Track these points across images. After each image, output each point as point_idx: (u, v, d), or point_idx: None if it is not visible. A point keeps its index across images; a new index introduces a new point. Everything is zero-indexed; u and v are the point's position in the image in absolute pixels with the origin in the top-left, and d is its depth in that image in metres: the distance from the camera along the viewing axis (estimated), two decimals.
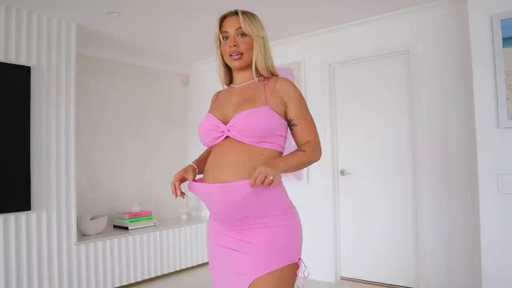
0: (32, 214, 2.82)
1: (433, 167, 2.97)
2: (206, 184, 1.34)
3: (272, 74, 1.46)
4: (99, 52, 3.88)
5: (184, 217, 4.24)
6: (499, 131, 2.24)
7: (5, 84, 2.70)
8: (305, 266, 1.35)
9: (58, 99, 3.02)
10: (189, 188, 1.40)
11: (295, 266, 1.32)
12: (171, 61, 4.48)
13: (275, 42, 3.67)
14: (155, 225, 3.83)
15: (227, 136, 1.35)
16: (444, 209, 2.92)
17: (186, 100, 4.79)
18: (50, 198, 2.93)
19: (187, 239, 3.94)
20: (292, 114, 1.38)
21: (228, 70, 1.52)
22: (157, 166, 4.35)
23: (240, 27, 1.40)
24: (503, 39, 2.22)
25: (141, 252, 3.52)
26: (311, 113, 1.45)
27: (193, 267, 4.03)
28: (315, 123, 1.44)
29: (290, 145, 1.42)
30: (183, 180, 1.43)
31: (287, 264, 1.29)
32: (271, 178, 1.16)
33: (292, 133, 1.42)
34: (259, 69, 1.43)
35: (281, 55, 3.69)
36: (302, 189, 3.62)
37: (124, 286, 3.40)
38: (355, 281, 3.41)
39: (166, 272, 3.72)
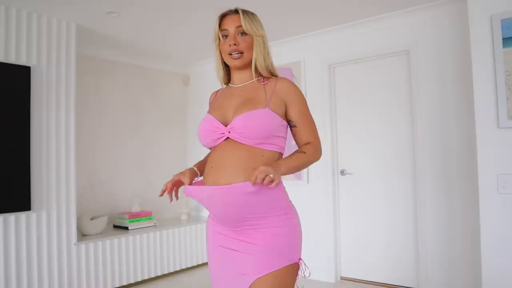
0: (32, 214, 2.82)
1: (433, 167, 2.97)
2: (201, 187, 1.33)
3: (272, 74, 1.45)
4: (99, 52, 3.88)
5: (184, 217, 4.24)
6: (499, 131, 2.23)
7: (5, 84, 2.70)
8: (305, 266, 1.35)
9: (58, 99, 3.02)
10: (184, 193, 1.38)
11: (296, 266, 1.32)
12: (171, 61, 4.48)
13: (275, 42, 3.67)
14: (155, 225, 3.83)
15: (227, 137, 1.35)
16: (444, 209, 2.92)
17: (186, 100, 4.79)
18: (50, 198, 2.93)
19: (187, 239, 3.94)
20: (292, 115, 1.38)
21: (227, 69, 1.51)
22: (157, 166, 4.35)
23: (240, 26, 1.39)
24: (503, 39, 2.21)
25: (141, 252, 3.52)
26: (312, 113, 1.44)
27: (193, 267, 4.03)
28: (315, 124, 1.43)
29: (290, 145, 1.42)
30: (178, 183, 1.43)
31: (288, 264, 1.29)
32: (271, 176, 1.16)
33: (292, 134, 1.42)
34: (259, 68, 1.42)
35: (281, 55, 3.69)
36: (302, 189, 3.62)
37: (124, 286, 3.40)
38: (355, 281, 3.41)
39: (166, 272, 3.72)
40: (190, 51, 4.11)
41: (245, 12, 1.42)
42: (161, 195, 1.44)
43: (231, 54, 1.41)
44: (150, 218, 3.82)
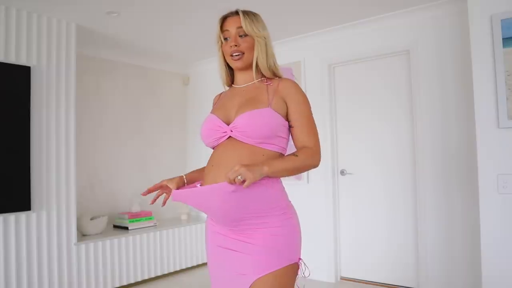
0: (32, 214, 2.82)
1: (433, 167, 2.97)
2: (186, 190, 1.35)
3: (275, 75, 1.45)
4: (99, 52, 3.88)
5: (184, 217, 4.24)
6: (499, 131, 2.24)
7: (5, 84, 2.70)
8: (305, 266, 1.35)
9: (58, 99, 3.02)
10: (172, 197, 1.38)
11: (295, 266, 1.32)
12: (171, 61, 4.48)
13: (275, 42, 3.64)
14: (155, 225, 3.83)
15: (230, 137, 1.35)
16: (444, 209, 2.92)
17: (186, 100, 4.79)
18: (50, 198, 2.93)
19: (187, 239, 3.94)
20: (291, 115, 1.37)
21: (230, 70, 1.51)
22: (157, 166, 4.35)
23: (241, 27, 1.39)
24: (503, 39, 2.21)
25: (141, 252, 3.52)
26: (312, 113, 1.43)
27: (193, 267, 4.03)
28: (317, 128, 1.39)
29: (290, 145, 1.42)
30: (163, 187, 1.45)
31: (287, 264, 1.29)
32: (239, 178, 1.16)
33: (291, 135, 1.41)
34: (261, 69, 1.42)
35: (281, 55, 3.66)
36: (302, 189, 3.62)
37: (124, 286, 3.40)
38: (355, 281, 3.41)
39: (166, 272, 3.72)
40: (190, 51, 4.11)
41: (245, 13, 1.41)
42: (145, 194, 1.45)
43: (232, 56, 1.41)
44: (150, 218, 3.82)
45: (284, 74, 1.49)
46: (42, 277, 2.86)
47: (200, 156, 4.50)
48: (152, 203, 1.46)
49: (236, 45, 1.40)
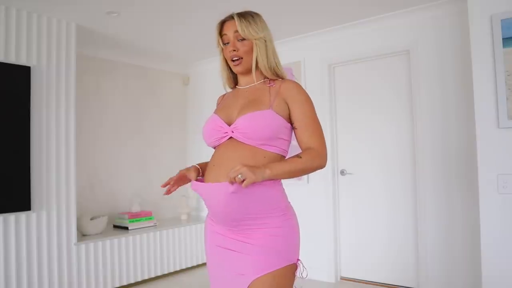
0: (32, 214, 2.82)
1: (433, 167, 2.97)
2: (201, 183, 1.36)
3: (278, 75, 1.44)
4: (99, 52, 3.88)
5: (184, 217, 4.24)
6: (499, 131, 2.23)
7: (5, 84, 2.70)
8: (303, 266, 1.35)
9: (58, 99, 3.03)
10: (192, 187, 1.39)
11: (294, 266, 1.32)
12: (171, 61, 4.48)
13: (275, 42, 3.64)
14: (155, 225, 3.83)
15: (231, 137, 1.35)
16: (444, 209, 2.92)
17: (186, 100, 4.79)
18: (50, 198, 2.93)
19: (187, 239, 3.94)
20: (294, 116, 1.36)
21: (234, 72, 1.51)
22: (157, 166, 4.35)
23: (238, 31, 1.38)
24: (503, 39, 2.21)
25: (141, 252, 3.52)
26: None
27: (193, 267, 4.03)
28: (322, 129, 1.37)
29: (291, 146, 1.42)
30: (183, 177, 1.43)
31: (286, 265, 1.29)
32: (239, 177, 1.15)
33: (295, 136, 1.40)
34: (262, 70, 1.42)
35: (281, 55, 3.62)
36: (302, 189, 3.62)
37: (124, 286, 3.40)
38: (355, 281, 3.41)
39: (166, 272, 3.72)
40: (190, 51, 4.11)
41: (242, 16, 1.39)
42: (164, 185, 1.42)
43: (232, 60, 1.41)
44: (150, 218, 3.82)
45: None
46: (42, 277, 2.86)
47: (200, 156, 4.50)
48: (169, 193, 1.42)
49: (234, 50, 1.39)
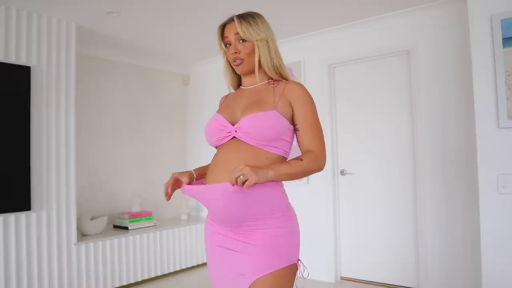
0: (32, 214, 2.82)
1: (433, 167, 2.97)
2: (195, 186, 1.35)
3: (281, 75, 1.44)
4: (99, 52, 3.88)
5: (184, 217, 4.24)
6: (499, 131, 2.23)
7: (5, 84, 2.70)
8: (304, 267, 1.35)
9: (58, 99, 3.02)
10: (182, 191, 1.38)
11: (294, 267, 1.32)
12: (171, 61, 4.48)
13: None
14: (155, 225, 3.83)
15: (234, 137, 1.35)
16: (444, 209, 2.92)
17: (186, 100, 4.79)
18: (50, 198, 2.93)
19: (187, 239, 3.94)
20: (296, 118, 1.37)
21: (237, 73, 1.51)
22: (157, 166, 4.35)
23: (238, 33, 1.38)
24: (503, 39, 2.21)
25: (141, 252, 3.52)
26: None
27: (193, 267, 4.03)
28: (322, 132, 1.39)
29: (292, 146, 1.42)
30: (177, 181, 1.42)
31: (286, 265, 1.29)
32: (241, 178, 1.15)
33: (296, 139, 1.40)
34: (266, 71, 1.42)
35: (281, 55, 3.68)
36: (302, 189, 3.62)
37: (124, 286, 3.40)
38: (355, 281, 3.41)
39: (166, 272, 3.72)
40: (190, 51, 4.11)
41: (242, 18, 1.39)
42: (166, 195, 1.41)
43: (234, 62, 1.42)
44: (150, 218, 3.82)
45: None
46: (42, 277, 2.86)
47: (200, 156, 4.50)
48: (169, 199, 1.41)
49: (236, 52, 1.40)
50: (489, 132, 2.27)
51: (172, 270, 3.78)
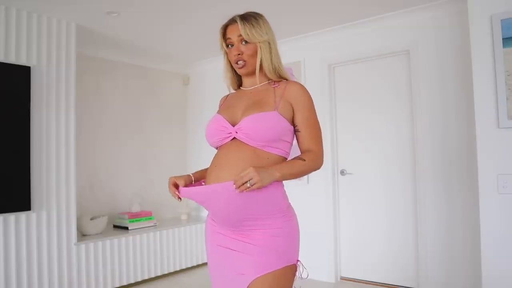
0: (32, 214, 2.82)
1: (433, 167, 2.97)
2: (193, 188, 1.35)
3: (281, 77, 1.45)
4: (99, 52, 3.88)
5: (184, 217, 4.24)
6: (499, 131, 2.23)
7: (5, 84, 2.70)
8: (303, 267, 1.35)
9: (58, 99, 3.02)
10: (181, 194, 1.38)
11: (294, 267, 1.33)
12: (171, 61, 4.48)
13: None
14: (155, 225, 3.83)
15: (234, 138, 1.35)
16: (444, 209, 2.92)
17: (186, 100, 4.79)
18: (50, 198, 2.93)
19: (187, 239, 3.94)
20: (297, 119, 1.37)
21: (237, 74, 1.52)
22: (157, 166, 4.35)
23: (241, 35, 1.38)
24: (503, 39, 2.21)
25: (141, 252, 3.52)
26: None
27: (193, 267, 4.03)
28: (321, 131, 1.41)
29: (292, 146, 1.42)
30: (175, 184, 1.42)
31: (286, 265, 1.29)
32: (248, 185, 1.17)
33: (296, 139, 1.41)
34: (266, 73, 1.42)
35: (281, 55, 3.66)
36: (302, 189, 3.62)
37: (124, 286, 3.40)
38: (355, 281, 3.41)
39: (166, 272, 3.72)
40: (190, 51, 4.11)
41: (245, 19, 1.39)
42: (178, 197, 1.40)
43: (237, 63, 1.42)
44: (150, 218, 3.82)
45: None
46: (42, 277, 2.86)
47: (200, 156, 4.51)
48: (180, 199, 1.39)
49: (239, 54, 1.40)
50: (489, 132, 2.27)
51: (172, 270, 3.78)
